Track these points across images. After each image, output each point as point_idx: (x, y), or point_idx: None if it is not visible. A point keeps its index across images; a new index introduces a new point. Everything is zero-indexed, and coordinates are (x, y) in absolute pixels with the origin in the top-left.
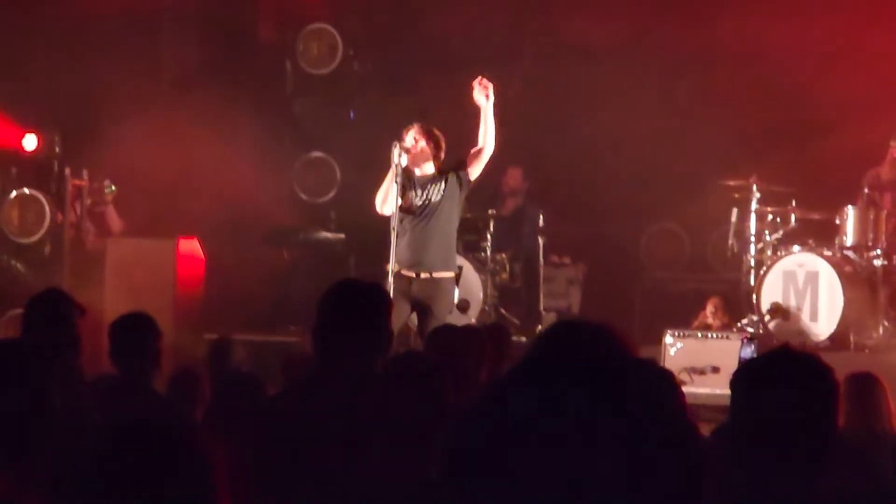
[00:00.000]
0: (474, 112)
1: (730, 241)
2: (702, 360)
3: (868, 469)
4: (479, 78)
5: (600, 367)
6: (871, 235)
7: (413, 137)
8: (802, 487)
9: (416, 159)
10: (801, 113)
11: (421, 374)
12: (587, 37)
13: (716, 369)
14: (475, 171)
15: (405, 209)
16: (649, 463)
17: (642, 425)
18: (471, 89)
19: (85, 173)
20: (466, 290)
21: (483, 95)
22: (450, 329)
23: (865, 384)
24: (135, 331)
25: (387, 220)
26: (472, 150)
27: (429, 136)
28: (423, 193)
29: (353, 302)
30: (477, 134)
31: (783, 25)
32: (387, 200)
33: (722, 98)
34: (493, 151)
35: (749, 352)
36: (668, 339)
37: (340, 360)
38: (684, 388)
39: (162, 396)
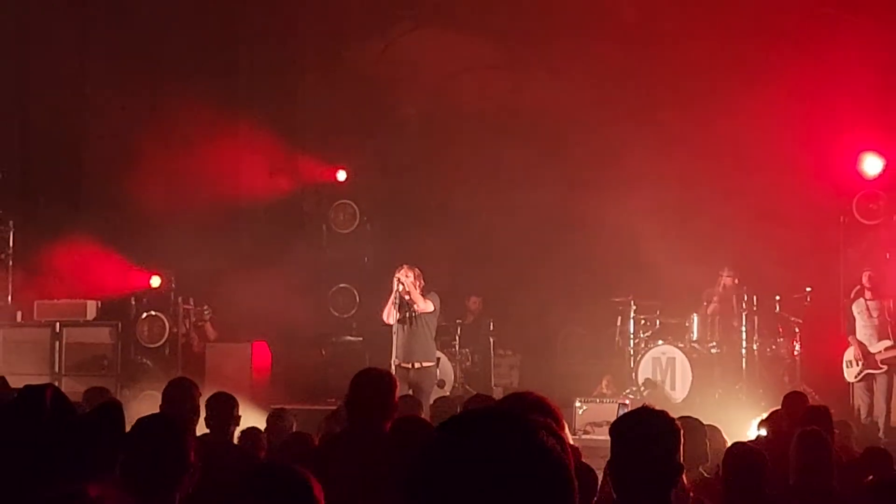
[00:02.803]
0: (445, 256)
1: (616, 338)
2: (600, 417)
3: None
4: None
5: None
6: (709, 333)
7: (404, 273)
8: (660, 501)
9: (406, 287)
10: (661, 255)
11: (417, 432)
12: (521, 202)
13: (609, 423)
14: (433, 309)
15: (400, 320)
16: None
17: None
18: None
19: (192, 301)
20: (443, 373)
21: (398, 282)
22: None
23: (710, 432)
24: (223, 402)
25: (389, 327)
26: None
27: (412, 272)
28: (410, 310)
29: (371, 384)
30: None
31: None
32: (389, 315)
33: (609, 247)
34: (437, 302)
35: (623, 410)
36: (577, 403)
37: (362, 422)
38: (589, 436)
39: (238, 446)
